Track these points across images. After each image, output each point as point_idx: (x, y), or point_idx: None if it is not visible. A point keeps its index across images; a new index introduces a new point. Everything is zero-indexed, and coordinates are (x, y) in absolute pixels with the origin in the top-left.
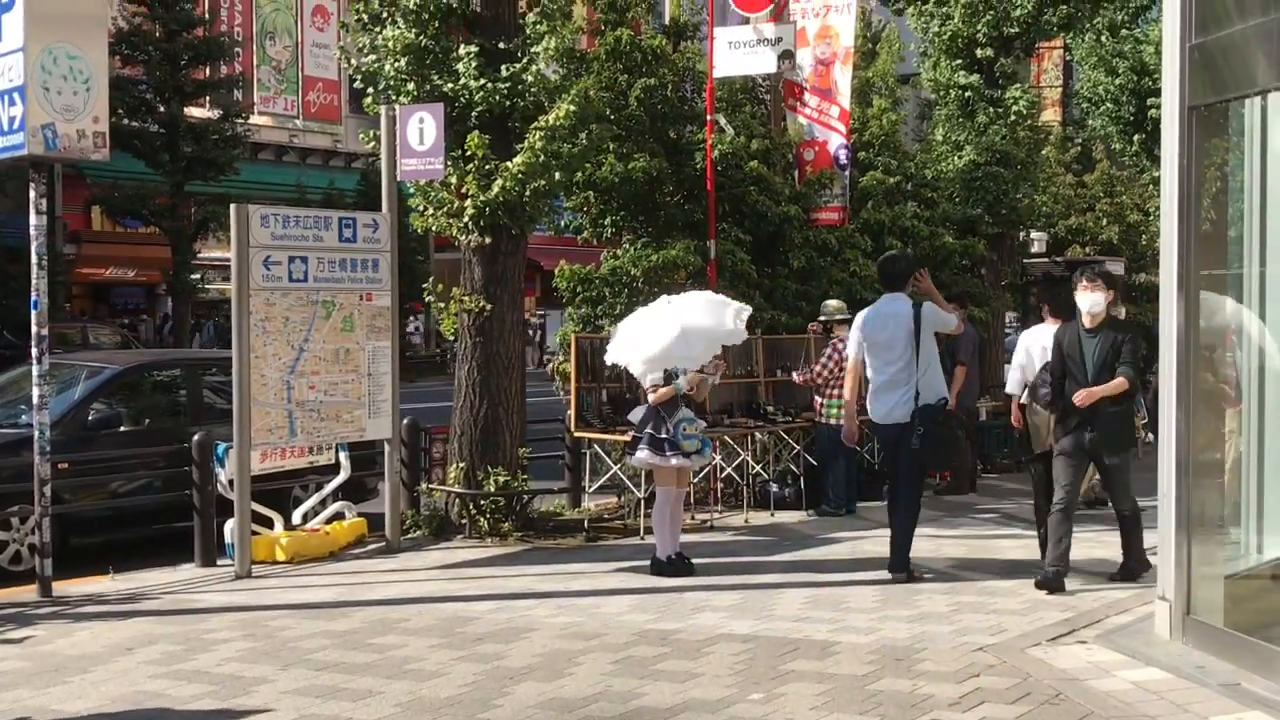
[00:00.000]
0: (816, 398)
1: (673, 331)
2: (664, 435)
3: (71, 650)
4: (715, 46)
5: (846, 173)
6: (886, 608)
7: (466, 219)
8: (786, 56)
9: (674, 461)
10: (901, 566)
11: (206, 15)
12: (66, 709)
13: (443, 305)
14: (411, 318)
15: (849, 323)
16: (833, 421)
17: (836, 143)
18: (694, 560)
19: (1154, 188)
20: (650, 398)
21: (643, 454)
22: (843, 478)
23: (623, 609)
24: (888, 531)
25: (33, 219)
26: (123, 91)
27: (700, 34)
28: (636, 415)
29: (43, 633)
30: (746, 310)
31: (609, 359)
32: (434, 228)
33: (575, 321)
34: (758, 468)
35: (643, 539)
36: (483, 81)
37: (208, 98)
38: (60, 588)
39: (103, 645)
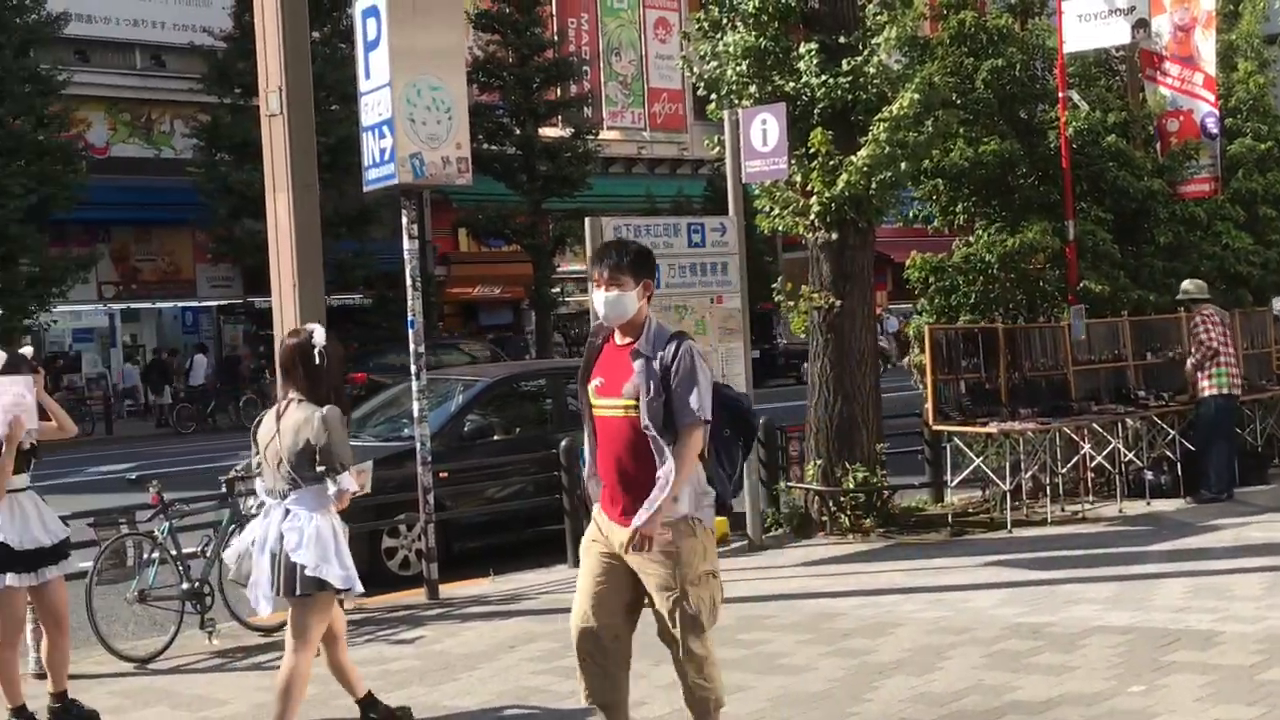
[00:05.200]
0: (1198, 375)
1: None
2: None
3: (459, 649)
4: (1064, 20)
5: (1216, 142)
6: (1273, 595)
7: (813, 216)
8: (1141, 25)
9: None
10: None
11: (555, 38)
12: (458, 705)
13: (792, 304)
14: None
15: (1210, 301)
16: (1223, 391)
17: (1204, 111)
18: (1065, 552)
19: None
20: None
21: None
22: (1224, 461)
23: (992, 603)
24: (1273, 516)
25: (406, 244)
26: (481, 117)
27: (1048, 9)
28: None
29: (431, 633)
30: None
31: None
32: (780, 227)
33: (929, 313)
34: (1130, 455)
35: (1010, 532)
36: (824, 77)
37: (560, 117)
38: (446, 590)
39: (487, 644)
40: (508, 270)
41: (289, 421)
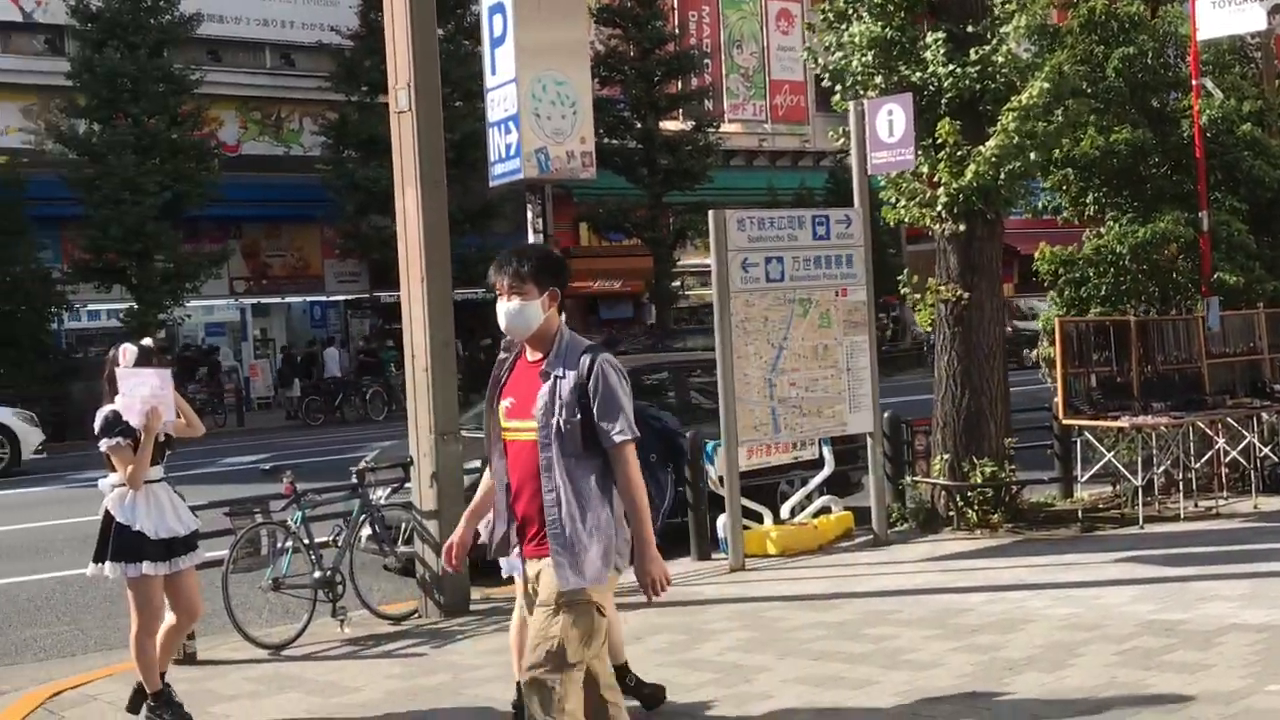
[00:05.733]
0: None
1: None
2: None
3: None
4: (1197, 7)
5: None
6: None
7: (939, 207)
8: (1277, 11)
9: None
10: None
11: (676, 31)
12: None
13: (919, 297)
14: (884, 314)
15: None
16: None
17: None
18: (1199, 549)
19: None
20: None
21: None
22: None
23: (1124, 600)
24: None
25: (530, 238)
26: (602, 111)
27: None
28: None
29: None
30: None
31: None
32: (906, 219)
33: (1059, 305)
34: (1266, 450)
35: (1141, 528)
36: (951, 67)
37: (680, 110)
38: None
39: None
40: (628, 264)
41: None
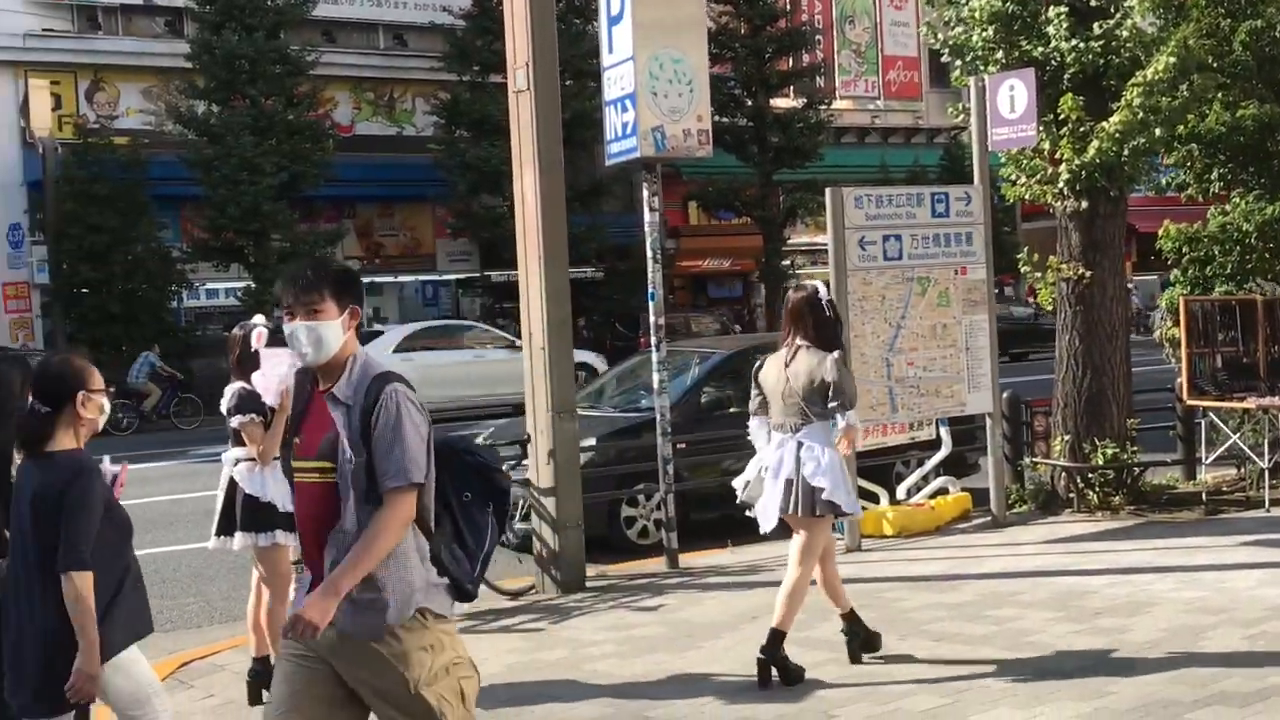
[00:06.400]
0: None
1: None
2: None
3: (701, 618)
4: None
5: None
6: None
7: (1061, 184)
8: None
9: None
10: None
11: (788, 7)
12: (704, 672)
13: (1039, 275)
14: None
15: None
16: None
17: None
18: None
19: None
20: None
21: None
22: None
23: (1251, 583)
24: None
25: (646, 216)
26: (713, 89)
27: None
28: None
29: (674, 601)
30: None
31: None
32: (1027, 196)
33: (1183, 284)
34: None
35: (1268, 511)
36: (1074, 42)
37: (791, 87)
38: (685, 560)
39: (730, 614)
40: (737, 243)
41: (800, 365)
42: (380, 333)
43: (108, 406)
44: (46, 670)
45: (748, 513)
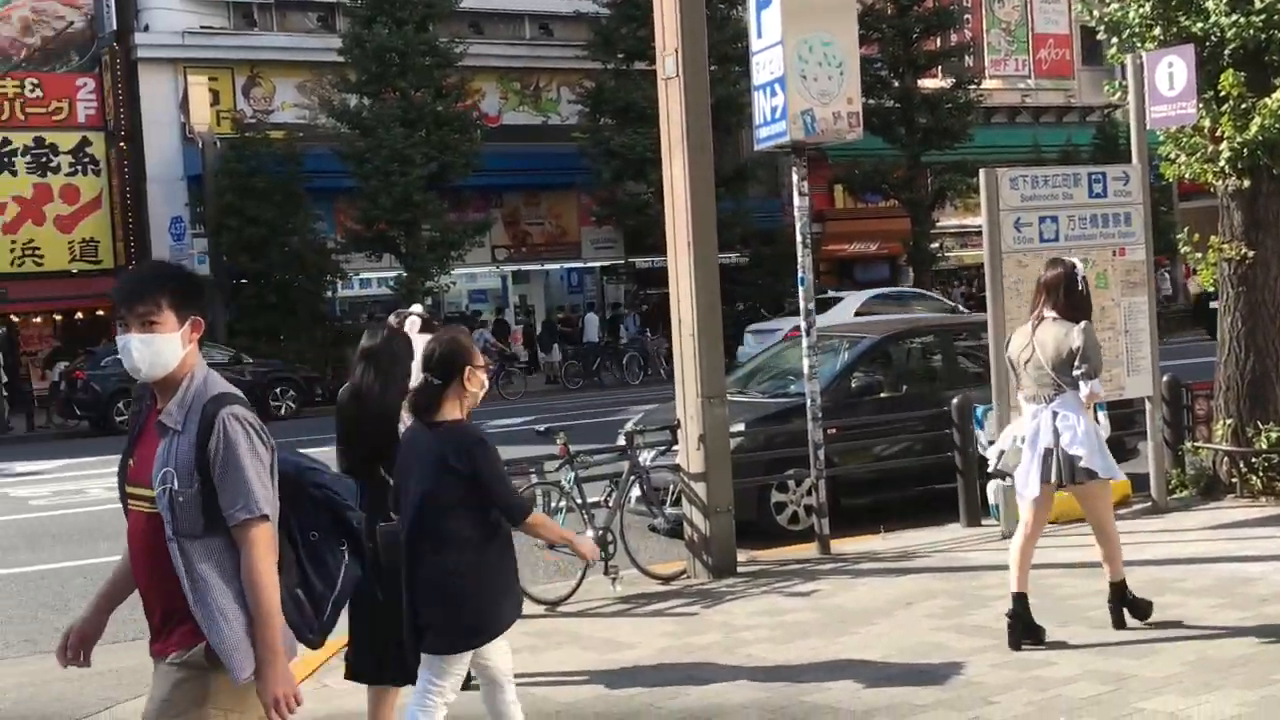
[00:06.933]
0: None
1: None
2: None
3: (854, 604)
4: None
5: None
6: None
7: (1223, 162)
8: None
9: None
10: None
11: None
12: (858, 658)
13: (1199, 255)
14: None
15: None
16: None
17: None
18: None
19: None
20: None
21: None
22: None
23: None
24: None
25: (796, 200)
26: (860, 71)
27: None
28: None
29: (827, 587)
30: None
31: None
32: (1186, 175)
33: None
34: None
35: None
36: (1235, 17)
37: (939, 68)
38: (836, 546)
39: (883, 599)
40: (884, 226)
41: (1048, 335)
42: (841, 299)
43: (487, 382)
44: (451, 608)
45: (1004, 481)
